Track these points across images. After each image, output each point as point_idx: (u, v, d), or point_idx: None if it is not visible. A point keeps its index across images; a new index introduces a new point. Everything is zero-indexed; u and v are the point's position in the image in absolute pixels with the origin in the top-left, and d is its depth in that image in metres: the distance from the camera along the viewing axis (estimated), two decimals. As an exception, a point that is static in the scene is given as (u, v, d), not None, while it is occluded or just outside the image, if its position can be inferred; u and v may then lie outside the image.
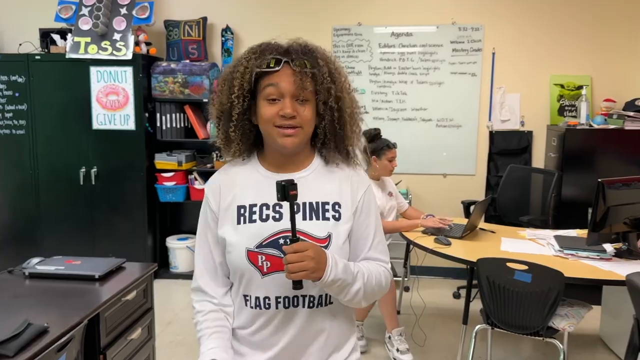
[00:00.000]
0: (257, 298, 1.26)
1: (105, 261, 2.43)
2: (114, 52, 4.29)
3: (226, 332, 1.31)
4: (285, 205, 1.23)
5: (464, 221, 3.50)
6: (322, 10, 4.63)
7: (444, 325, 3.76)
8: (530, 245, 3.02)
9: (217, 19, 4.70)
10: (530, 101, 4.53)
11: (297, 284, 1.16)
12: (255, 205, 1.28)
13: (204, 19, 4.60)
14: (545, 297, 2.47)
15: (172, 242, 4.66)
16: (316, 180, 1.31)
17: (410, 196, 4.44)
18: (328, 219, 1.27)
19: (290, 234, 1.17)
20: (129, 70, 4.31)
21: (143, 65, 4.35)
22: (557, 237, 3.07)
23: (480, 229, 3.38)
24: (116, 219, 4.45)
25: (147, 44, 4.51)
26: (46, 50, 4.43)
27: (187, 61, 4.53)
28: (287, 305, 1.25)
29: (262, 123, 1.25)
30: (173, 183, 4.48)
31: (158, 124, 4.48)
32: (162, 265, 4.68)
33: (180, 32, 4.56)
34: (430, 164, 4.66)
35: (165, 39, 4.67)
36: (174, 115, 4.50)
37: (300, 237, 1.19)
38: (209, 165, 4.58)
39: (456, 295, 4.27)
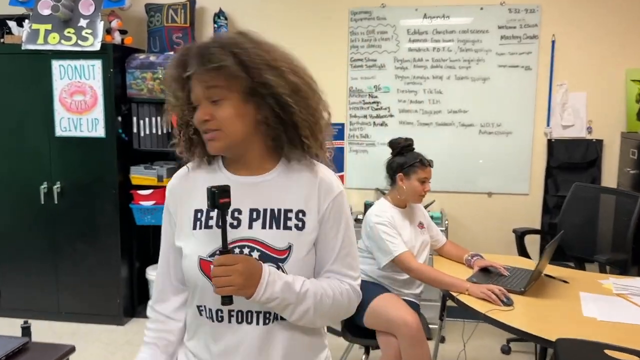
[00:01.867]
0: (210, 310, 1.20)
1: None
2: (79, 41, 3.50)
3: (165, 344, 1.28)
4: (246, 212, 1.19)
5: (521, 261, 2.77)
6: (336, -12, 3.80)
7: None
8: (624, 307, 2.22)
9: (207, 1, 3.89)
10: (599, 102, 3.68)
11: (226, 299, 1.10)
12: (213, 209, 1.20)
13: (192, 1, 3.78)
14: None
15: (153, 273, 3.85)
16: (280, 185, 1.23)
17: (446, 222, 3.55)
18: (290, 228, 1.20)
19: (248, 243, 1.16)
20: (97, 63, 3.52)
21: (116, 58, 3.56)
22: (662, 295, 2.22)
23: (547, 275, 2.56)
24: (84, 245, 3.69)
25: (122, 32, 3.71)
26: (1, 41, 3.67)
27: (171, 53, 3.71)
28: (240, 320, 1.19)
29: None
30: (152, 202, 3.66)
31: (134, 130, 3.69)
32: (140, 301, 3.90)
33: (163, 17, 3.74)
34: (471, 180, 3.82)
35: (147, 26, 3.87)
36: (153, 119, 3.69)
37: (233, 249, 1.15)
38: (197, 181, 3.75)
39: (505, 350, 3.37)
